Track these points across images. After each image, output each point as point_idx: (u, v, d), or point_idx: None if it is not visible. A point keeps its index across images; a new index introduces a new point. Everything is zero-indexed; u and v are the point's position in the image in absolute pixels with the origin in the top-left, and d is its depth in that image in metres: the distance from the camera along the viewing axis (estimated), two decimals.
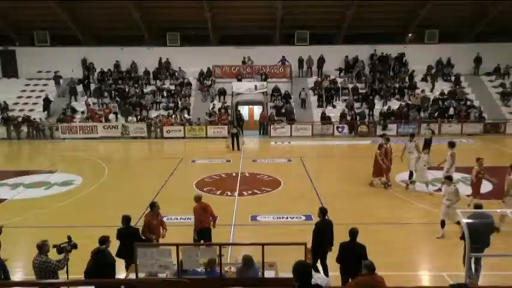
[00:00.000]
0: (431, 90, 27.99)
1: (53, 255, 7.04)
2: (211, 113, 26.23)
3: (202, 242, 9.01)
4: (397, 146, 14.58)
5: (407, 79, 28.70)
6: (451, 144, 13.64)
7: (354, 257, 6.98)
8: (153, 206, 8.87)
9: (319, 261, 8.07)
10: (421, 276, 8.74)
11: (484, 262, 7.89)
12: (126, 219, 8.24)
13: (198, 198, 9.42)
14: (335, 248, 7.68)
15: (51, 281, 6.63)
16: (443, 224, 10.24)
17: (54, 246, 7.11)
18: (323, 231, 8.05)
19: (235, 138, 21.66)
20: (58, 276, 6.99)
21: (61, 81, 29.39)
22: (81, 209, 12.83)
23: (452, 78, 28.88)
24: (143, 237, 8.32)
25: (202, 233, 9.18)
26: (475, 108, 26.53)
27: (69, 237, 7.29)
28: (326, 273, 7.92)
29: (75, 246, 7.39)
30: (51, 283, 6.59)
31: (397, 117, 25.74)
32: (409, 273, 8.77)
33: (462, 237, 8.17)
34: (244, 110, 27.83)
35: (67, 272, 7.03)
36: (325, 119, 25.71)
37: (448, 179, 10.65)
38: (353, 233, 7.28)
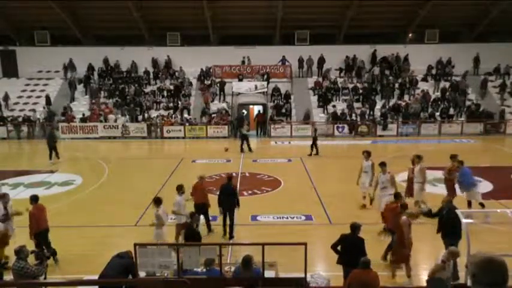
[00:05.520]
0: (434, 91, 27.90)
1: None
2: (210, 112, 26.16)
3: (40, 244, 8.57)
4: (397, 145, 14.54)
5: (407, 79, 28.70)
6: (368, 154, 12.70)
7: (353, 249, 7.21)
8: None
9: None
10: (421, 276, 8.74)
11: None
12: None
13: (35, 199, 9.22)
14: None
15: (52, 281, 6.63)
16: None
17: (32, 252, 7.03)
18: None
19: (244, 140, 20.71)
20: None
21: (77, 70, 29.13)
22: (81, 209, 12.83)
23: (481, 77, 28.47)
24: None
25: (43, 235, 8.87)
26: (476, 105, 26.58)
27: (43, 247, 7.57)
28: None
29: (55, 253, 7.34)
30: (51, 283, 6.60)
31: (397, 113, 25.80)
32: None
33: (438, 231, 8.61)
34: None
35: (45, 278, 6.92)
36: (335, 118, 25.75)
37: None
38: (356, 226, 7.51)
